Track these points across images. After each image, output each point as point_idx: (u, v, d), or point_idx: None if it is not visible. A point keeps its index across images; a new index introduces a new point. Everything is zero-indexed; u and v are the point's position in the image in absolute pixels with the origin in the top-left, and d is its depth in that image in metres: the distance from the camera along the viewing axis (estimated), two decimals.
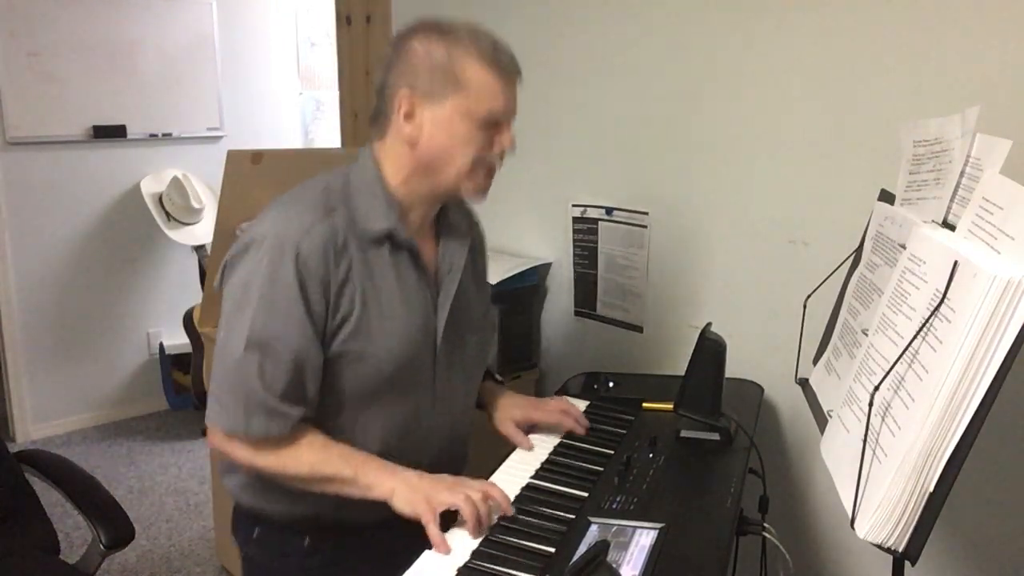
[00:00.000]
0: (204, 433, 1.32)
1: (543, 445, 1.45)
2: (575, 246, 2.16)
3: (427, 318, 1.31)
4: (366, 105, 2.77)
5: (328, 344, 1.22)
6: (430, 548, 1.12)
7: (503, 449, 1.44)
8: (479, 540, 1.14)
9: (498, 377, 1.58)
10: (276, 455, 1.21)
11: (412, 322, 1.28)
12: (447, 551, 1.11)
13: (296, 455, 1.21)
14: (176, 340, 3.95)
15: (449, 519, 1.17)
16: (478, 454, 1.46)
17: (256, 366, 1.17)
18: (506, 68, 1.24)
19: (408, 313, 1.27)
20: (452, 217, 1.38)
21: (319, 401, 1.24)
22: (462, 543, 1.13)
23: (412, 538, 1.15)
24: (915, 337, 0.92)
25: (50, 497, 1.92)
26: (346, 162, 1.32)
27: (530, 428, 1.50)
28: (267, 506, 1.32)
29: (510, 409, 1.49)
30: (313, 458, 1.21)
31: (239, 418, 1.18)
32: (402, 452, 1.27)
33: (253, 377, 1.17)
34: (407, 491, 1.17)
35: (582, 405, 1.63)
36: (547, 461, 1.39)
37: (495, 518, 1.18)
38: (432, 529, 1.13)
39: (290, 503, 1.29)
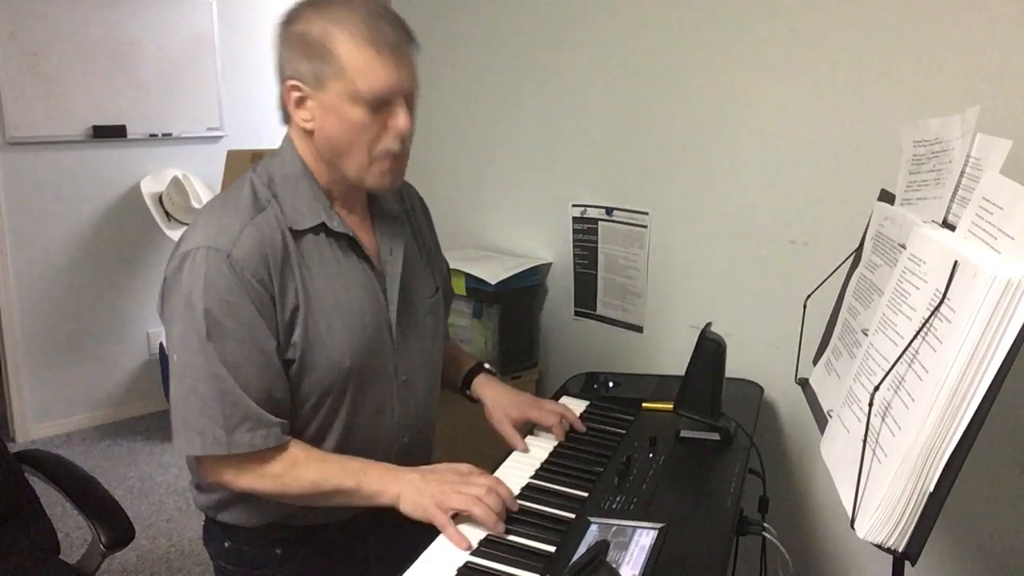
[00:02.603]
0: None
1: (543, 445, 1.45)
2: (575, 246, 2.16)
3: (378, 306, 1.28)
4: None
5: (283, 345, 1.19)
6: (403, 550, 1.11)
7: (501, 447, 1.44)
8: (478, 540, 1.14)
9: (487, 366, 1.56)
10: (274, 478, 1.17)
11: (363, 311, 1.25)
12: (468, 547, 1.11)
13: (295, 475, 1.18)
14: None
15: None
16: (478, 453, 1.45)
17: (225, 380, 1.13)
18: (387, 40, 1.14)
19: (357, 303, 1.25)
20: (382, 198, 1.34)
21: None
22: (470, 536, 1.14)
23: (384, 541, 1.14)
24: (915, 337, 0.91)
25: (50, 497, 1.92)
26: None
27: (531, 427, 1.50)
28: (234, 520, 1.30)
29: (507, 407, 1.47)
30: (313, 475, 1.18)
31: (220, 437, 1.13)
32: (365, 445, 1.25)
33: (225, 392, 1.13)
34: (414, 495, 1.16)
35: (582, 405, 1.63)
36: (547, 461, 1.39)
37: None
38: (450, 531, 1.12)
39: (257, 515, 1.27)
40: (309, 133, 1.20)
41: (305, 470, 1.18)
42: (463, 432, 1.54)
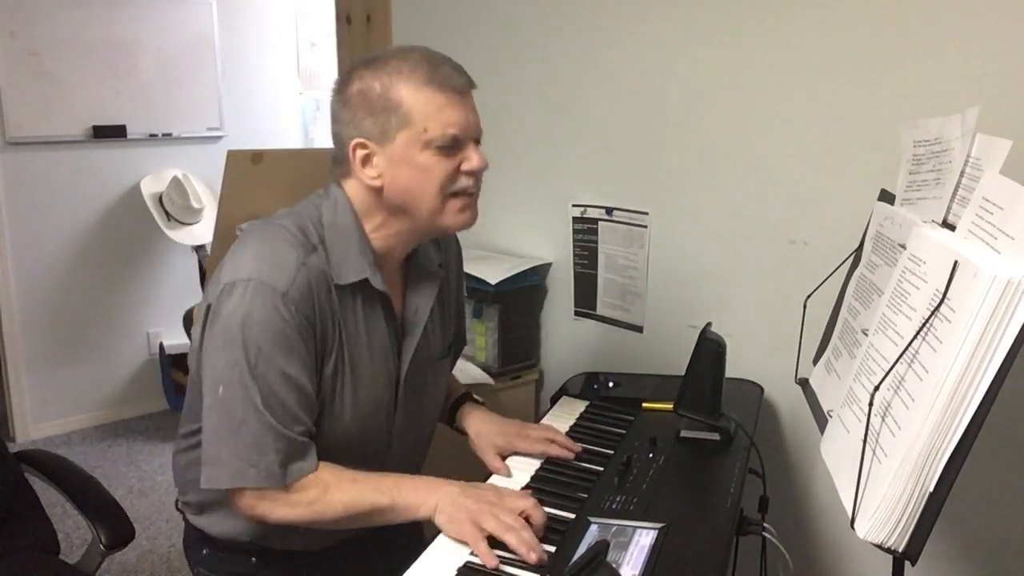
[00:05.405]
0: None
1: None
2: (575, 246, 2.16)
3: (390, 365, 1.28)
4: None
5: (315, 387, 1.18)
6: (390, 567, 1.10)
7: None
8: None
9: (477, 398, 1.53)
10: (308, 506, 1.15)
11: (376, 372, 1.25)
12: (496, 567, 1.07)
13: (328, 500, 1.15)
14: (176, 340, 3.94)
15: None
16: (469, 457, 1.45)
17: (274, 414, 1.11)
18: (449, 82, 1.15)
19: (374, 363, 1.24)
20: (422, 254, 1.33)
21: None
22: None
23: (365, 563, 1.14)
24: (915, 337, 0.91)
25: (50, 497, 1.92)
26: None
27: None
28: (211, 527, 1.30)
29: (492, 436, 1.43)
30: (345, 498, 1.15)
31: (274, 469, 1.11)
32: None
33: (274, 426, 1.11)
34: (451, 508, 1.13)
35: (582, 405, 1.63)
36: (547, 461, 1.39)
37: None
38: (481, 547, 1.09)
39: (233, 528, 1.27)
40: (376, 190, 1.19)
41: (338, 494, 1.15)
42: (444, 461, 1.50)
